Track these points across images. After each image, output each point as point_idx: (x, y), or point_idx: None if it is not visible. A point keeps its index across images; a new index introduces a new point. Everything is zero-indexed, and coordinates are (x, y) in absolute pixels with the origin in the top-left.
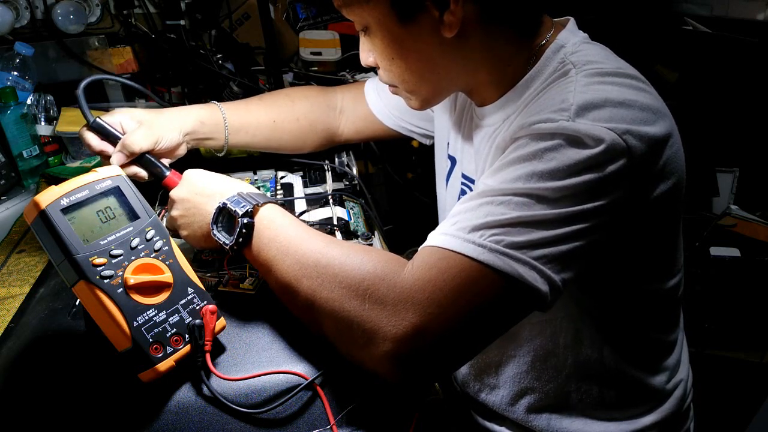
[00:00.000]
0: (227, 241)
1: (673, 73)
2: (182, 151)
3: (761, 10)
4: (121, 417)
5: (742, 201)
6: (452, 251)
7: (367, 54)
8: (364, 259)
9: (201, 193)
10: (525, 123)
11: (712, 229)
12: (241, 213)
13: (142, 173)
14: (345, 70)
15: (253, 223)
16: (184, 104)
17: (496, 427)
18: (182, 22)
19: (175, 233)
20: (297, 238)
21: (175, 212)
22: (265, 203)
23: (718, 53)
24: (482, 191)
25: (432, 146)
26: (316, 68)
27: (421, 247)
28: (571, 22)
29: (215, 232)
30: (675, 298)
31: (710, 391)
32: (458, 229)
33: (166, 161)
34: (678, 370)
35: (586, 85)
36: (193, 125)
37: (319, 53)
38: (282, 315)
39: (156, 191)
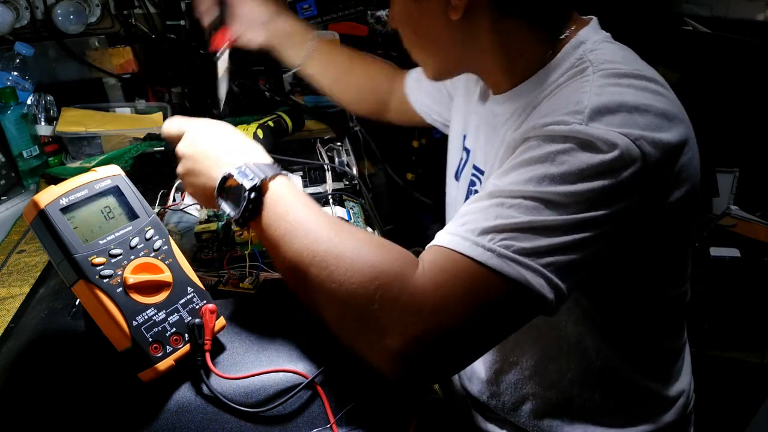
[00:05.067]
0: (233, 213)
1: (673, 73)
2: (258, 35)
3: (761, 10)
4: (121, 417)
5: (742, 201)
6: (462, 254)
7: (390, 19)
8: (377, 254)
9: (206, 154)
10: (537, 123)
11: (712, 229)
12: (248, 187)
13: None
14: None
15: (261, 198)
16: (184, 105)
17: (497, 429)
18: (182, 22)
19: None
20: (307, 221)
21: (180, 169)
22: (274, 176)
23: (718, 53)
24: (492, 192)
25: (436, 143)
26: None
27: (429, 245)
28: (594, 21)
29: (220, 201)
30: (682, 305)
31: (710, 391)
32: (468, 230)
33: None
34: (681, 378)
35: (601, 86)
36: (284, 25)
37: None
38: (282, 314)
39: (156, 191)
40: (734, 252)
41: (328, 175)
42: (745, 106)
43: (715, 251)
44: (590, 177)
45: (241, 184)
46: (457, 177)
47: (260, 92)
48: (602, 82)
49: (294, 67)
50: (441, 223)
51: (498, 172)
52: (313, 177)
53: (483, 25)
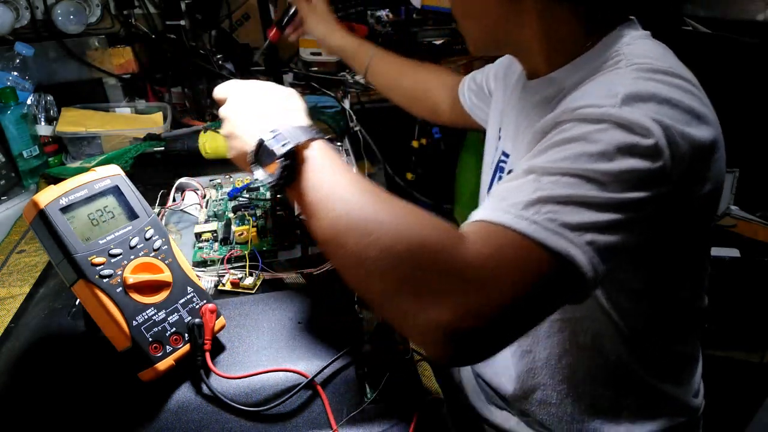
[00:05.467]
0: (267, 180)
1: None
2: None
3: (761, 10)
4: (121, 416)
5: (742, 201)
6: (507, 227)
7: None
8: (423, 222)
9: (244, 116)
10: (569, 108)
11: (712, 229)
12: (280, 153)
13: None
14: (345, 71)
15: (295, 164)
16: (184, 105)
17: (507, 419)
18: (182, 23)
19: None
20: (345, 188)
21: (222, 130)
22: (309, 140)
23: (718, 53)
24: (526, 170)
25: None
26: (316, 68)
27: (469, 221)
28: (635, 19)
29: (254, 168)
30: (698, 308)
31: (710, 391)
32: (509, 205)
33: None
34: (693, 383)
35: (634, 78)
36: (338, 43)
37: (319, 53)
38: (282, 314)
39: (156, 191)
40: (734, 252)
41: None
42: (745, 106)
43: (715, 251)
44: (627, 155)
45: (273, 151)
46: (494, 166)
47: None
48: (635, 75)
49: (358, 75)
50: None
51: (529, 155)
52: None
53: (531, 6)
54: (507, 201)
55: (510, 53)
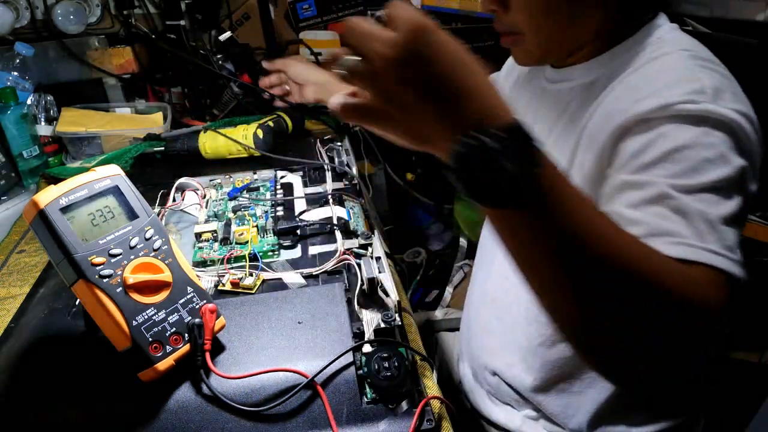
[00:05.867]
0: (471, 196)
1: None
2: (308, 94)
3: (761, 11)
4: (121, 417)
5: None
6: (707, 265)
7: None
8: (680, 281)
9: (437, 86)
10: (660, 104)
11: None
12: (511, 169)
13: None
14: None
15: (531, 188)
16: (184, 105)
17: (511, 415)
18: (182, 23)
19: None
20: (610, 237)
21: (377, 84)
22: (542, 156)
23: (718, 53)
24: (666, 190)
25: None
26: None
27: (674, 255)
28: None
29: (450, 174)
30: None
31: (710, 391)
32: (681, 235)
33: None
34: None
35: (695, 65)
36: (318, 77)
37: (319, 53)
38: (282, 314)
39: (156, 191)
40: None
41: (328, 175)
42: None
43: None
44: (736, 155)
45: (499, 167)
46: None
47: (261, 93)
48: (693, 62)
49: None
50: (441, 222)
51: (635, 166)
52: (313, 177)
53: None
54: (686, 229)
55: (560, 55)
